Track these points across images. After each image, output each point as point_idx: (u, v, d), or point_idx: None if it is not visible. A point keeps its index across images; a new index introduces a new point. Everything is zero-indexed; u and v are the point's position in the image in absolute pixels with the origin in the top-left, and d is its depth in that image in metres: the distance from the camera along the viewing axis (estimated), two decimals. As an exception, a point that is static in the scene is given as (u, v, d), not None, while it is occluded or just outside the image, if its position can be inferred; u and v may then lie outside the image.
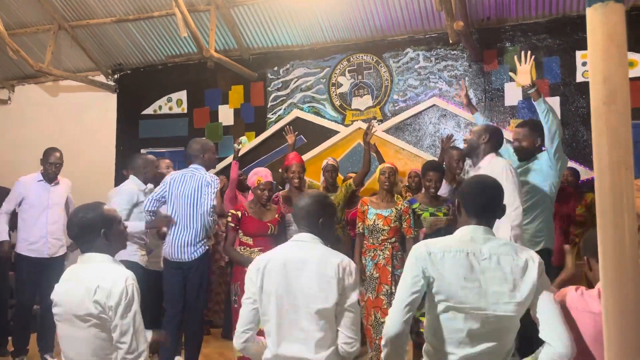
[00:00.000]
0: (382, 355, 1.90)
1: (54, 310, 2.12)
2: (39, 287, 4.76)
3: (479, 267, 1.80)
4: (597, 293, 1.80)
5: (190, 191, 4.03)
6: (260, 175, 3.99)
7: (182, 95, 7.36)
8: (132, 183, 4.23)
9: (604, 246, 0.84)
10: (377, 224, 4.01)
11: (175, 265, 3.98)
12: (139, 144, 7.50)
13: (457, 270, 1.80)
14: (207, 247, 4.11)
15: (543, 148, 3.75)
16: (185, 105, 7.35)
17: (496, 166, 3.24)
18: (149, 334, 2.23)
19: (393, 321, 1.86)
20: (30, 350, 4.93)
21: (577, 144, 5.67)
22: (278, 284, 2.07)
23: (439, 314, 1.83)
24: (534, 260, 1.83)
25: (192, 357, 4.04)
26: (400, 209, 4.04)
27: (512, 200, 3.10)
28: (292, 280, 2.06)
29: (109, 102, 7.65)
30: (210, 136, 7.14)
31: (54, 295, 2.13)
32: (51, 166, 4.79)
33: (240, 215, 3.91)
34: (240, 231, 3.92)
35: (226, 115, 7.14)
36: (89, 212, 2.14)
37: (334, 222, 2.31)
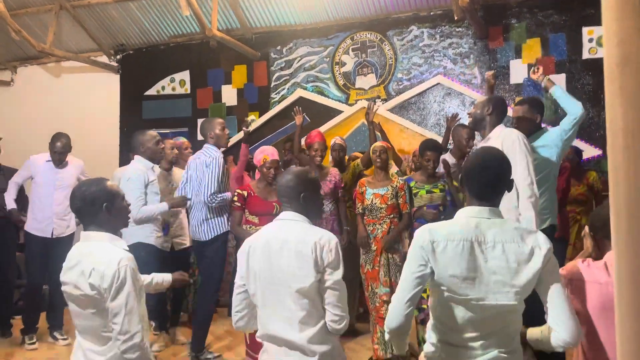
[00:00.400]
0: (387, 339, 1.90)
1: (63, 288, 2.16)
2: (47, 267, 4.81)
3: (482, 256, 1.74)
4: (603, 264, 1.81)
5: (197, 173, 4.10)
6: (266, 153, 4.01)
7: (185, 75, 7.32)
8: (138, 164, 4.13)
9: (617, 209, 0.84)
10: (375, 203, 4.11)
11: (194, 244, 4.32)
12: (143, 124, 7.45)
13: (459, 262, 1.73)
14: (223, 229, 4.16)
15: (543, 125, 3.74)
16: (188, 85, 7.31)
17: (507, 137, 3.21)
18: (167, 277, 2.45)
19: (394, 314, 1.82)
20: (40, 328, 4.99)
21: (583, 121, 5.60)
22: (262, 264, 2.07)
23: (440, 300, 1.80)
24: (541, 247, 1.74)
25: (202, 335, 4.11)
26: (396, 186, 4.11)
27: (525, 174, 3.09)
28: (273, 260, 2.06)
29: (111, 83, 7.62)
30: (213, 116, 7.09)
31: (62, 275, 2.16)
32: (55, 154, 4.82)
33: (246, 194, 3.95)
34: (246, 210, 3.96)
35: (229, 95, 7.10)
36: (92, 186, 2.15)
37: (317, 198, 2.26)
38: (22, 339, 4.83)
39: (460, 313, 1.75)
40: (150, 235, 4.06)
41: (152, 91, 7.47)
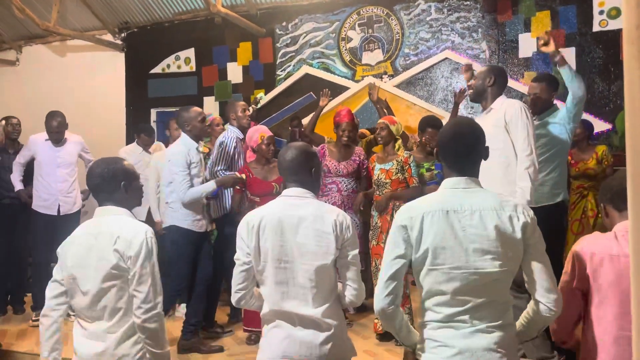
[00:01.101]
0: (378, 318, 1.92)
1: (77, 271, 2.11)
2: (54, 244, 4.85)
3: (459, 225, 1.72)
4: (614, 235, 1.79)
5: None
6: (261, 131, 4.09)
7: (190, 53, 7.28)
8: (181, 144, 3.90)
9: (634, 173, 0.82)
10: (381, 178, 4.11)
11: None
12: (149, 103, 7.48)
13: (436, 232, 1.72)
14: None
15: (555, 102, 3.71)
16: (193, 63, 7.27)
17: (510, 107, 3.18)
18: None
19: (377, 296, 1.82)
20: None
21: (592, 95, 5.54)
22: (274, 242, 2.06)
23: (421, 276, 1.77)
24: (519, 217, 1.72)
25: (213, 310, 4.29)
26: (401, 160, 4.08)
27: (525, 145, 3.08)
28: (288, 238, 2.05)
29: (117, 62, 7.59)
30: (219, 94, 7.10)
31: (72, 261, 2.12)
32: (52, 134, 4.84)
33: (245, 178, 4.04)
34: (247, 191, 4.10)
35: (235, 72, 7.06)
36: (111, 163, 2.20)
37: (321, 172, 2.28)
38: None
39: (442, 287, 1.72)
40: (185, 218, 3.90)
41: (157, 69, 7.44)
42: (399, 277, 1.79)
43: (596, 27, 5.55)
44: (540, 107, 3.58)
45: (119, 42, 7.56)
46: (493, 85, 3.28)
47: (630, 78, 0.83)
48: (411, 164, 4.06)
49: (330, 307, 2.06)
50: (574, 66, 5.51)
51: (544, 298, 1.74)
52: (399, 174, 4.05)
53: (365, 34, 6.44)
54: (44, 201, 4.87)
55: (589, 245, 1.83)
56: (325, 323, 2.03)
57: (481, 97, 3.33)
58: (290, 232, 2.06)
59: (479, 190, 1.79)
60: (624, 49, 0.84)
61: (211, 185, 3.88)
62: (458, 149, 1.81)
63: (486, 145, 1.86)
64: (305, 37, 6.71)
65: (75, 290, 2.14)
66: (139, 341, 2.07)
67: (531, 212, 1.76)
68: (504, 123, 3.17)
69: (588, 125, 4.93)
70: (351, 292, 2.10)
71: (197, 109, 4.03)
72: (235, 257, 2.16)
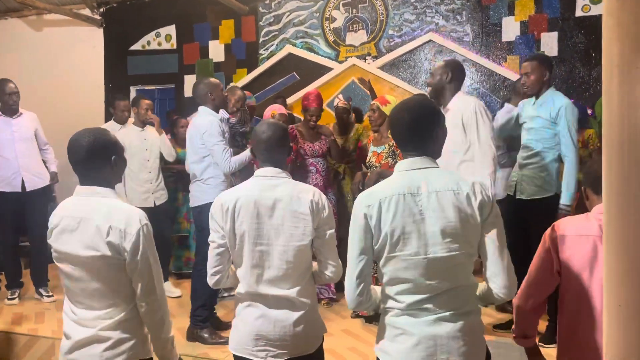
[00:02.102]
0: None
1: (59, 254, 1.96)
2: (24, 223, 4.76)
3: (417, 208, 1.66)
4: (586, 216, 1.81)
5: None
6: (274, 108, 4.21)
7: (171, 30, 7.13)
8: (208, 114, 3.71)
9: (609, 148, 0.82)
10: (371, 161, 4.04)
11: None
12: (128, 80, 7.34)
13: (394, 218, 1.66)
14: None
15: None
16: (174, 40, 7.13)
17: (466, 108, 3.14)
18: None
19: (349, 294, 1.77)
20: (26, 284, 5.00)
21: (573, 80, 5.58)
22: (250, 225, 2.02)
23: (381, 263, 1.72)
24: (477, 196, 1.67)
25: None
26: (393, 144, 3.95)
27: (485, 147, 3.09)
28: (264, 220, 2.02)
29: (95, 37, 7.41)
30: (200, 73, 6.99)
31: (56, 240, 1.96)
32: (10, 97, 4.66)
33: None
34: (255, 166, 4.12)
35: (217, 51, 6.95)
36: (100, 135, 1.94)
37: (290, 149, 2.21)
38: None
39: (402, 274, 1.67)
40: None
41: (137, 46, 7.28)
42: (367, 275, 1.75)
43: (579, 12, 5.55)
44: (533, 87, 3.53)
45: (97, 17, 7.37)
46: (451, 81, 3.23)
47: (608, 52, 0.82)
48: None
49: (305, 285, 2.08)
50: (555, 51, 5.54)
51: (494, 283, 1.70)
52: (389, 158, 3.93)
53: (349, 14, 6.37)
54: (5, 178, 4.67)
55: (561, 227, 1.83)
56: (300, 302, 2.04)
57: (440, 95, 3.26)
58: (266, 214, 2.03)
59: (436, 170, 1.72)
60: (604, 21, 0.83)
61: (248, 153, 3.71)
62: (408, 127, 1.73)
63: (441, 123, 1.77)
64: (288, 16, 6.62)
65: (61, 271, 1.99)
66: (131, 329, 1.95)
67: (489, 191, 1.71)
68: (462, 124, 3.14)
69: (583, 110, 4.96)
70: (330, 269, 2.10)
71: (216, 80, 3.91)
72: (209, 238, 2.13)
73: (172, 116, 6.14)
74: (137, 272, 1.90)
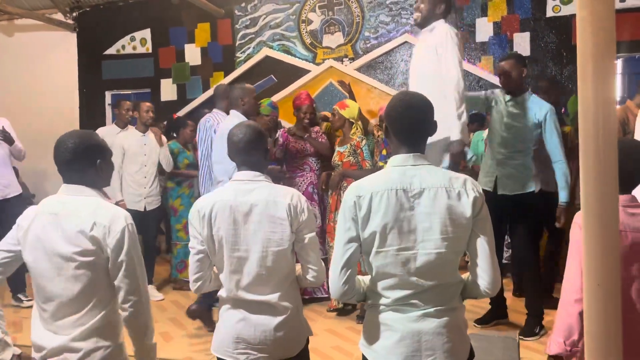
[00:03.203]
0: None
1: (26, 250, 1.91)
2: None
3: (408, 204, 1.66)
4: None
5: None
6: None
7: (146, 33, 7.08)
8: (235, 118, 3.73)
9: (585, 138, 0.85)
10: (335, 160, 4.25)
11: None
12: (103, 85, 7.25)
13: (385, 213, 1.65)
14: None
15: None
16: (149, 44, 7.07)
17: (440, 31, 3.19)
18: None
19: (333, 283, 1.75)
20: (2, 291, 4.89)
21: (545, 79, 5.70)
22: (227, 231, 1.99)
23: (370, 257, 1.71)
24: (469, 193, 1.67)
25: None
26: (354, 144, 4.16)
27: (455, 72, 3.11)
28: (241, 226, 1.99)
29: (68, 42, 7.31)
30: (177, 77, 6.95)
31: (26, 234, 1.90)
32: None
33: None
34: None
35: (193, 54, 6.91)
36: (86, 138, 1.92)
37: (267, 150, 2.17)
38: (-15, 303, 4.73)
39: (390, 270, 1.67)
40: None
41: (111, 50, 7.20)
42: (354, 264, 1.73)
43: (550, 13, 5.68)
44: (512, 85, 3.62)
45: (70, 21, 7.27)
46: (442, 12, 3.28)
47: (582, 41, 0.85)
48: (363, 148, 4.15)
49: (287, 290, 2.05)
50: (527, 51, 5.65)
51: (483, 279, 1.70)
52: (350, 157, 4.13)
53: (325, 16, 6.40)
54: None
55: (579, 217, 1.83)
56: (282, 306, 2.01)
57: (427, 24, 3.30)
58: (242, 220, 1.99)
59: (428, 167, 1.72)
60: (577, 12, 0.86)
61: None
62: (407, 123, 1.73)
63: (434, 120, 1.78)
64: (265, 18, 6.62)
65: (34, 273, 1.91)
66: (107, 336, 1.89)
67: (479, 187, 1.72)
68: (435, 46, 3.18)
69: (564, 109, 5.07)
70: (312, 274, 2.07)
71: (250, 86, 3.96)
72: (189, 245, 2.09)
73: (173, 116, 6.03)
74: (122, 273, 1.85)
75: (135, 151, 4.74)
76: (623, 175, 1.78)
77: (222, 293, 2.09)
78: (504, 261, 4.80)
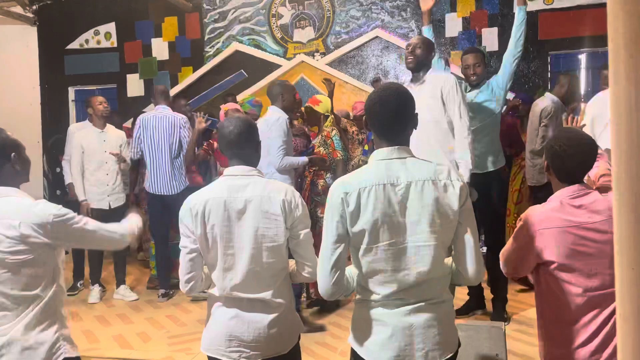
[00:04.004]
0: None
1: None
2: None
3: (396, 199, 1.64)
4: (559, 204, 1.84)
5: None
6: (226, 106, 4.31)
7: (111, 27, 6.88)
8: (277, 112, 3.79)
9: (617, 120, 0.86)
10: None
11: None
12: (66, 81, 7.03)
13: (374, 209, 1.63)
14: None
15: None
16: (114, 38, 6.88)
17: (447, 81, 3.29)
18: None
19: (323, 282, 1.72)
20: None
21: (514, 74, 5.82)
22: (221, 228, 1.94)
23: (359, 253, 1.69)
24: (454, 185, 1.66)
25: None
26: (324, 134, 4.19)
27: (464, 118, 3.24)
28: (235, 222, 1.95)
29: (28, 36, 7.04)
30: (144, 72, 6.79)
31: None
32: None
33: (215, 145, 4.24)
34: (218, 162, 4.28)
35: (160, 49, 6.77)
36: None
37: (259, 143, 2.13)
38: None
39: (380, 265, 1.66)
40: None
41: (74, 45, 6.98)
42: (343, 263, 1.71)
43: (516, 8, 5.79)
44: (478, 79, 3.71)
45: (30, 15, 6.99)
46: (431, 57, 3.37)
47: (613, 28, 0.86)
48: (333, 138, 4.15)
49: (280, 286, 2.01)
50: (496, 46, 5.77)
51: (469, 269, 1.71)
52: (321, 147, 4.15)
53: (296, 10, 6.37)
54: None
55: (539, 221, 1.85)
56: (275, 303, 1.98)
57: (421, 68, 3.35)
58: (237, 216, 1.94)
59: (413, 159, 1.70)
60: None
61: (304, 160, 3.91)
62: (386, 115, 1.69)
63: (416, 112, 1.75)
64: (234, 12, 6.54)
65: None
66: (51, 325, 1.87)
67: (461, 179, 1.73)
68: (440, 95, 3.27)
69: (529, 101, 5.17)
70: (307, 270, 2.03)
71: (291, 84, 4.12)
72: (180, 244, 2.02)
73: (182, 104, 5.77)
74: (49, 265, 1.87)
75: (95, 148, 4.59)
76: (568, 170, 1.87)
77: (213, 291, 2.04)
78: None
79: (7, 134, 1.93)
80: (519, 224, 1.93)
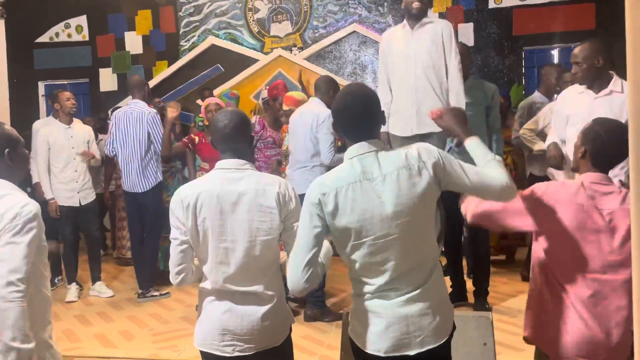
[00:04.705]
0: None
1: None
2: None
3: (374, 193, 1.66)
4: (580, 184, 1.87)
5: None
6: (208, 101, 4.24)
7: (82, 20, 6.73)
8: (325, 108, 3.77)
9: (636, 106, 0.89)
10: (290, 149, 4.09)
11: None
12: (36, 75, 6.84)
13: (354, 206, 1.66)
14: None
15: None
16: (86, 31, 6.73)
17: (446, 27, 3.40)
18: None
19: (295, 281, 1.71)
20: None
21: (488, 68, 5.94)
22: (213, 222, 1.93)
23: (346, 251, 1.72)
24: (427, 164, 1.67)
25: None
26: None
27: (458, 66, 3.40)
28: (228, 216, 1.93)
29: (-5, 29, 6.80)
30: (117, 66, 6.66)
31: None
32: None
33: (197, 140, 4.12)
34: (197, 157, 4.16)
35: (134, 42, 6.65)
36: None
37: (252, 137, 2.14)
38: None
39: (368, 259, 1.69)
40: None
41: (44, 38, 6.80)
42: (316, 262, 1.73)
43: (491, 4, 5.91)
44: (466, 73, 3.74)
45: (-4, 6, 6.76)
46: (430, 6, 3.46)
47: (632, 16, 0.88)
48: None
49: (272, 278, 2.02)
50: (472, 41, 5.85)
51: (495, 185, 1.69)
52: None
53: (272, 4, 6.33)
54: None
55: (553, 192, 1.88)
56: (267, 295, 1.98)
57: (424, 15, 3.43)
58: (230, 210, 1.93)
59: (383, 152, 1.73)
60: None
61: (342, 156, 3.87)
62: (353, 119, 1.74)
63: (382, 110, 1.79)
64: (209, 6, 6.46)
65: None
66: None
67: (432, 148, 1.73)
68: (442, 40, 3.36)
69: (509, 96, 5.28)
70: None
71: (331, 77, 4.07)
72: (171, 236, 2.01)
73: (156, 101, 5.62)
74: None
75: (62, 144, 4.47)
76: (605, 156, 1.91)
77: (205, 285, 2.03)
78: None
79: (4, 128, 1.88)
80: (527, 191, 1.94)
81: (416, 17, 3.40)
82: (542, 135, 3.93)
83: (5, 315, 1.72)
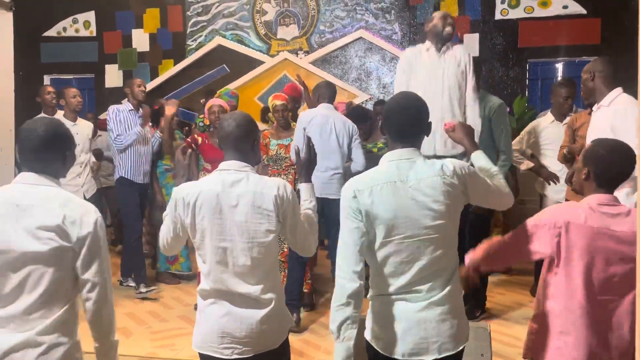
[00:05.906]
0: (342, 314, 1.76)
1: None
2: None
3: (407, 195, 1.74)
4: (588, 207, 1.88)
5: None
6: (212, 102, 4.21)
7: (90, 16, 6.75)
8: (326, 109, 3.95)
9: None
10: (280, 153, 4.13)
11: None
12: (42, 69, 6.86)
13: (387, 205, 1.73)
14: None
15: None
16: (93, 27, 6.76)
17: (466, 51, 3.57)
18: None
19: (351, 281, 1.74)
20: None
21: (492, 79, 5.97)
22: (211, 220, 1.97)
23: (375, 248, 1.77)
24: (457, 171, 1.79)
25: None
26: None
27: (476, 93, 3.57)
28: (227, 217, 1.97)
29: (3, 21, 6.78)
30: (123, 63, 6.68)
31: None
32: None
33: (200, 141, 4.10)
34: (201, 157, 4.16)
35: (141, 40, 6.67)
36: (58, 127, 1.86)
37: (257, 139, 2.17)
38: None
39: (395, 258, 1.75)
40: None
41: (51, 32, 6.82)
42: (363, 260, 1.78)
43: (498, 16, 5.94)
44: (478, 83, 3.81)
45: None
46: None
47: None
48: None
49: (271, 280, 2.04)
50: (476, 52, 5.88)
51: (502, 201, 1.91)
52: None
53: (280, 8, 6.36)
54: None
55: (562, 214, 1.89)
56: (266, 298, 2.01)
57: (450, 39, 3.56)
58: (229, 211, 1.97)
59: (421, 160, 1.81)
60: None
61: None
62: (403, 120, 1.82)
63: (429, 121, 1.88)
64: (218, 6, 6.49)
65: None
66: (67, 332, 1.81)
67: (465, 163, 1.86)
68: (464, 64, 3.52)
69: (512, 108, 5.29)
70: (300, 250, 2.14)
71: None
72: (164, 219, 2.10)
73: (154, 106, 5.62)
74: (92, 268, 1.79)
75: None
76: (610, 176, 1.93)
77: (204, 286, 2.05)
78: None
79: (65, 128, 1.90)
80: (536, 217, 1.97)
81: (445, 40, 3.52)
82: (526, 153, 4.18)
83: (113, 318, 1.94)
